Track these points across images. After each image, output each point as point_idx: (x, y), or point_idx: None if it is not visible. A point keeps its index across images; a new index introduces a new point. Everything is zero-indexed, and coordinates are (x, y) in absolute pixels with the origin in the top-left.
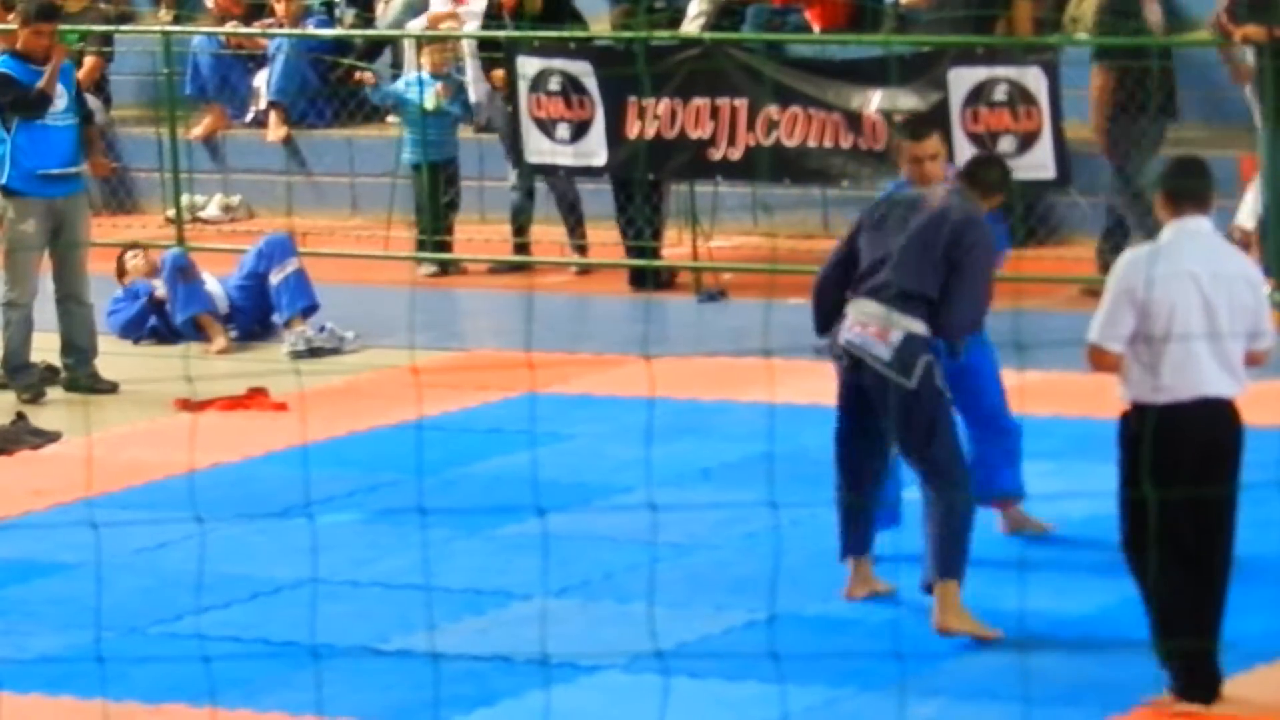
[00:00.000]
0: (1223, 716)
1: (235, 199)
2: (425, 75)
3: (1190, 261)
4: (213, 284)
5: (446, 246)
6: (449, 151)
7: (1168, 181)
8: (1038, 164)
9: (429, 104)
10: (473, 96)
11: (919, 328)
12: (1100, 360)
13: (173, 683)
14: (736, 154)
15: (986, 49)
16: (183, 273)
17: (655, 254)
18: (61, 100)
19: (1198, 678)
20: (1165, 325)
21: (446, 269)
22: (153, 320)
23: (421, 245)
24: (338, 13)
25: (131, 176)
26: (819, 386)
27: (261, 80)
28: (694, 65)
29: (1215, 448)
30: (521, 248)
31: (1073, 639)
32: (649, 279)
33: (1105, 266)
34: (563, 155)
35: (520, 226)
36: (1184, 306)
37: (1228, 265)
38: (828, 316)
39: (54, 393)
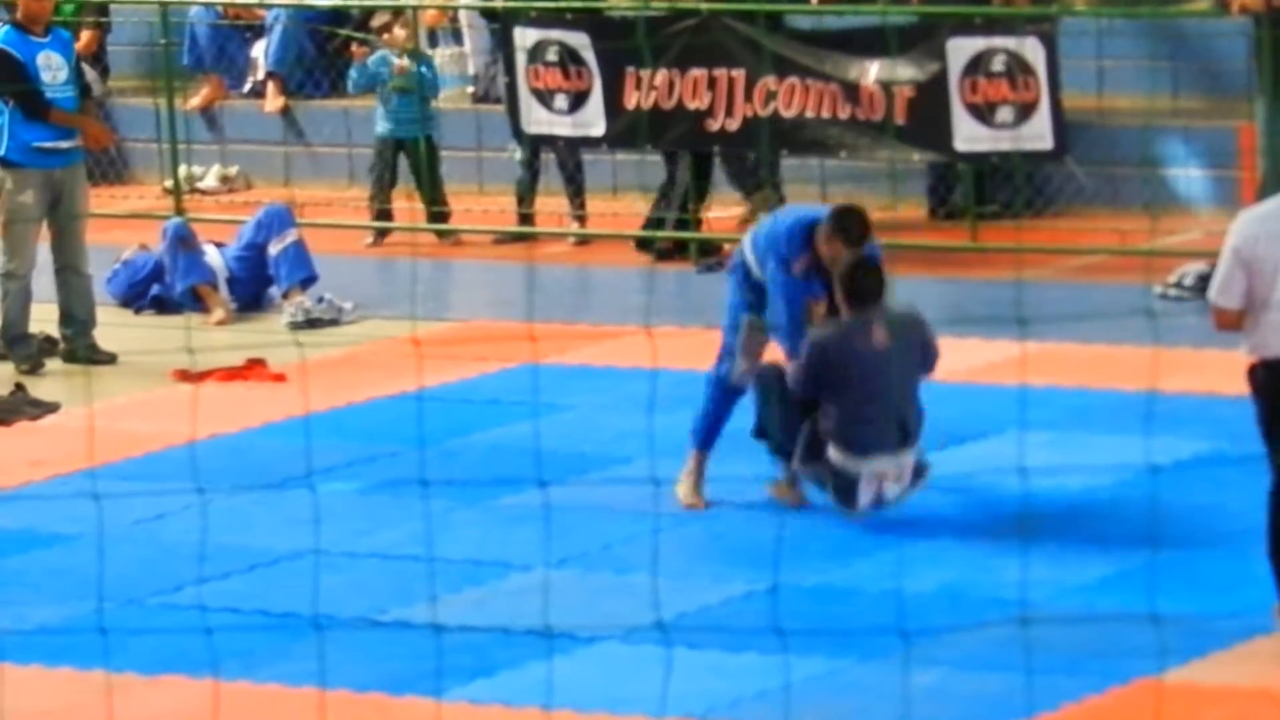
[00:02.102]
0: (1222, 688)
1: (233, 170)
2: (389, 53)
3: None
4: (213, 254)
5: (444, 217)
6: (415, 130)
7: None
8: (1036, 135)
9: (395, 83)
10: (470, 68)
11: None
12: (1220, 318)
13: (172, 654)
14: (734, 125)
15: (985, 19)
16: (183, 242)
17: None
18: (61, 72)
19: None
20: (1270, 281)
21: (383, 237)
22: (155, 289)
23: (376, 215)
24: None
25: (129, 147)
26: None
27: (259, 51)
28: (691, 36)
29: None
30: (524, 219)
31: (1074, 610)
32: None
33: None
34: (561, 125)
35: (521, 197)
36: None
37: None
38: None
39: (52, 364)
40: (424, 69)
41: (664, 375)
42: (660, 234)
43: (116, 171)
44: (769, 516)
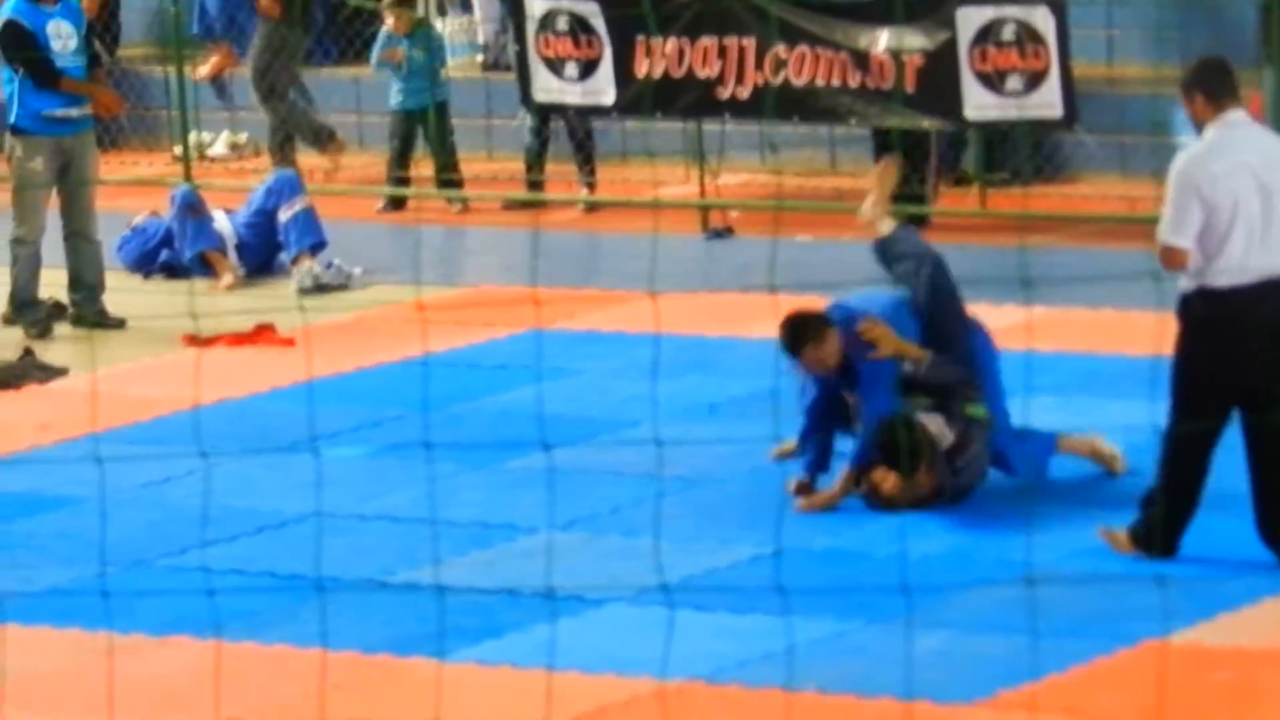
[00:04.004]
0: (1228, 649)
1: (242, 137)
2: (390, 33)
3: (1246, 153)
4: (221, 221)
5: (457, 184)
6: (425, 100)
7: (1204, 83)
8: (1045, 103)
9: (390, 62)
10: (480, 36)
11: None
12: (1172, 257)
13: (178, 616)
14: (744, 93)
15: None
16: (191, 209)
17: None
18: (71, 41)
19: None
20: (1230, 217)
21: (402, 204)
22: (164, 254)
23: (395, 182)
24: None
25: (139, 115)
26: None
27: None
28: (701, 4)
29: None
30: (533, 185)
31: (1080, 573)
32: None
33: None
34: (571, 94)
35: (529, 165)
36: (1245, 197)
37: (1274, 149)
38: None
39: (61, 328)
40: (429, 42)
41: (671, 340)
42: (667, 202)
43: (126, 138)
44: (776, 480)
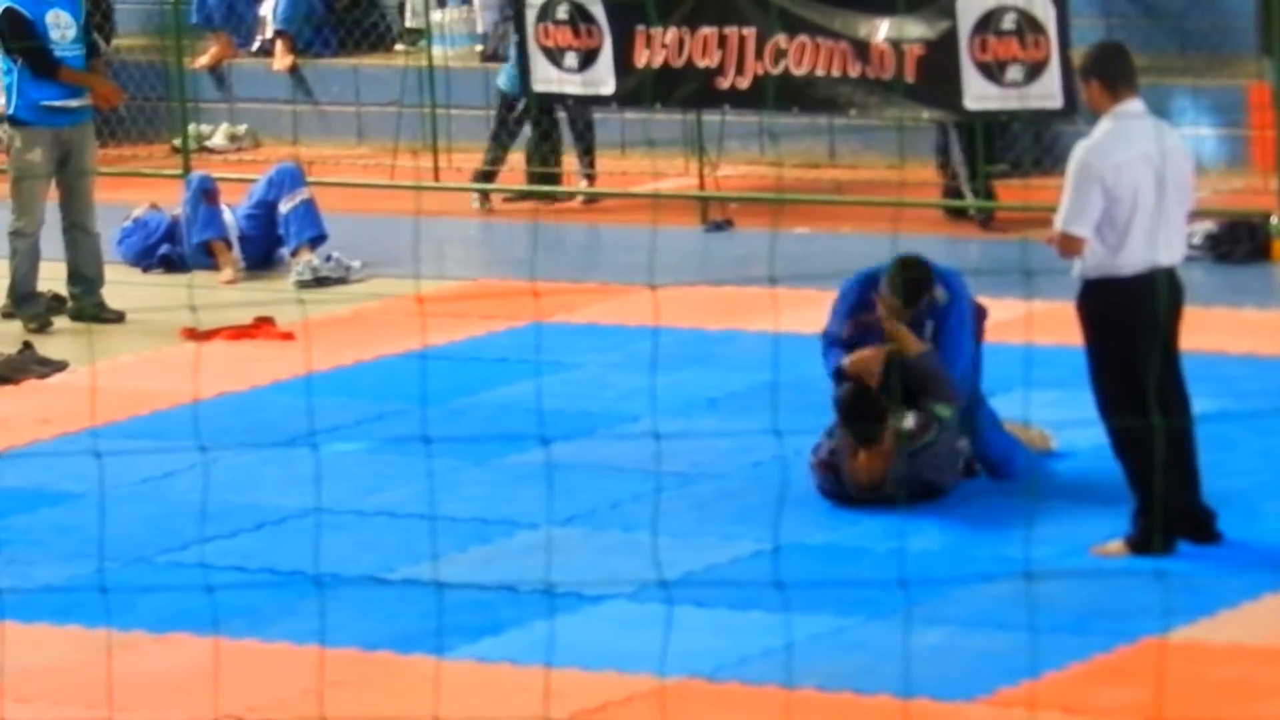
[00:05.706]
0: (1229, 647)
1: (241, 128)
2: None
3: (1145, 143)
4: (226, 213)
5: (491, 176)
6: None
7: (1103, 70)
8: (1046, 93)
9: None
10: (479, 26)
11: None
12: (1071, 245)
13: (178, 612)
14: (744, 83)
15: None
16: (207, 195)
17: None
18: (70, 31)
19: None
20: (1130, 208)
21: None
22: (164, 248)
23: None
24: None
25: (137, 106)
26: (824, 316)
27: (268, 9)
28: None
29: (1174, 309)
30: (534, 178)
31: (1081, 568)
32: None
33: None
34: (570, 84)
35: (530, 156)
36: (1145, 187)
37: (1169, 140)
38: None
39: (60, 322)
40: None
41: (670, 334)
42: (670, 194)
43: (125, 130)
44: (776, 475)
